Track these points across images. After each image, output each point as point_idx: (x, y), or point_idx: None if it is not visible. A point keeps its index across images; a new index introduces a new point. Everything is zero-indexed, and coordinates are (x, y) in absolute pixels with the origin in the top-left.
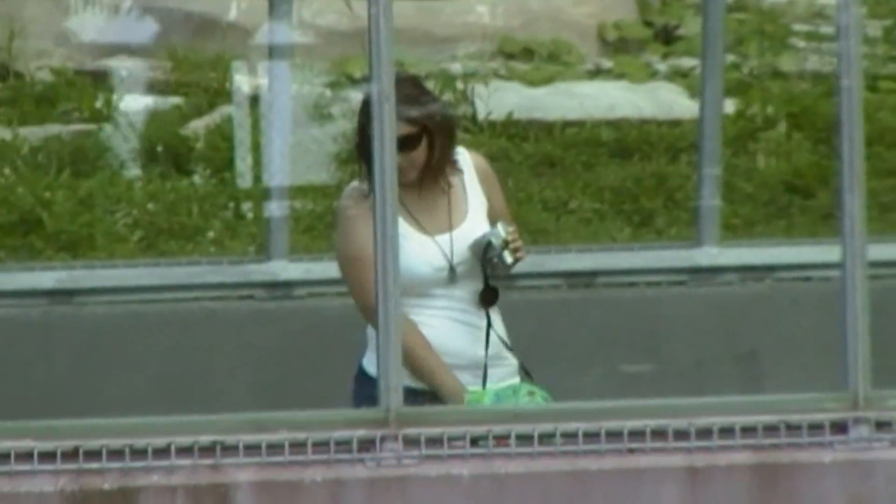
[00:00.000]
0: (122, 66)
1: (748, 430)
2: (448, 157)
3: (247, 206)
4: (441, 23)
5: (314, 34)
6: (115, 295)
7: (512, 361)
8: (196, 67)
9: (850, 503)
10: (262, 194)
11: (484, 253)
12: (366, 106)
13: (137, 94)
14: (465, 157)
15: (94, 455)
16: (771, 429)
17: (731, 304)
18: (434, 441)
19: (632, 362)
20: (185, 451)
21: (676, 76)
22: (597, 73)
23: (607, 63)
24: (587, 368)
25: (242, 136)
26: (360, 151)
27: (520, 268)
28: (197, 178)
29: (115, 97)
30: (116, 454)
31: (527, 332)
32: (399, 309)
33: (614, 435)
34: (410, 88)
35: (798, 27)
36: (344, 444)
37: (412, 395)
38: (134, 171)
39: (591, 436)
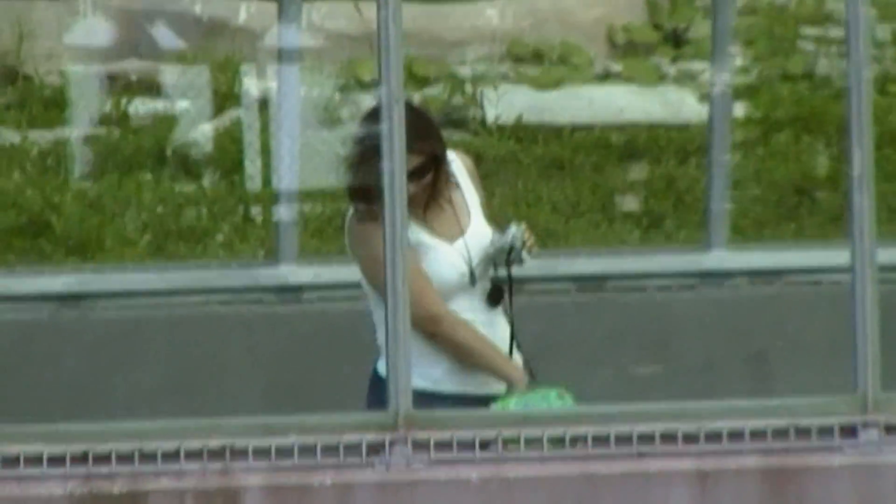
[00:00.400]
0: (132, 70)
1: (758, 434)
2: (449, 174)
3: (256, 210)
4: (450, 26)
5: (323, 37)
6: (124, 298)
7: (517, 358)
8: (205, 71)
9: None
10: (271, 197)
11: (507, 255)
12: (359, 145)
13: (147, 98)
14: (455, 161)
15: (103, 459)
16: (780, 432)
17: (740, 307)
18: (443, 445)
19: (642, 366)
20: (194, 454)
21: (686, 79)
22: (606, 77)
23: (616, 66)
24: (597, 372)
25: (252, 140)
26: (353, 193)
27: (529, 271)
28: (206, 182)
29: (124, 100)
30: (126, 458)
31: (537, 335)
32: (407, 312)
33: (624, 439)
34: (415, 118)
35: (808, 31)
36: (353, 448)
37: (426, 399)
38: (143, 174)
39: (600, 440)
